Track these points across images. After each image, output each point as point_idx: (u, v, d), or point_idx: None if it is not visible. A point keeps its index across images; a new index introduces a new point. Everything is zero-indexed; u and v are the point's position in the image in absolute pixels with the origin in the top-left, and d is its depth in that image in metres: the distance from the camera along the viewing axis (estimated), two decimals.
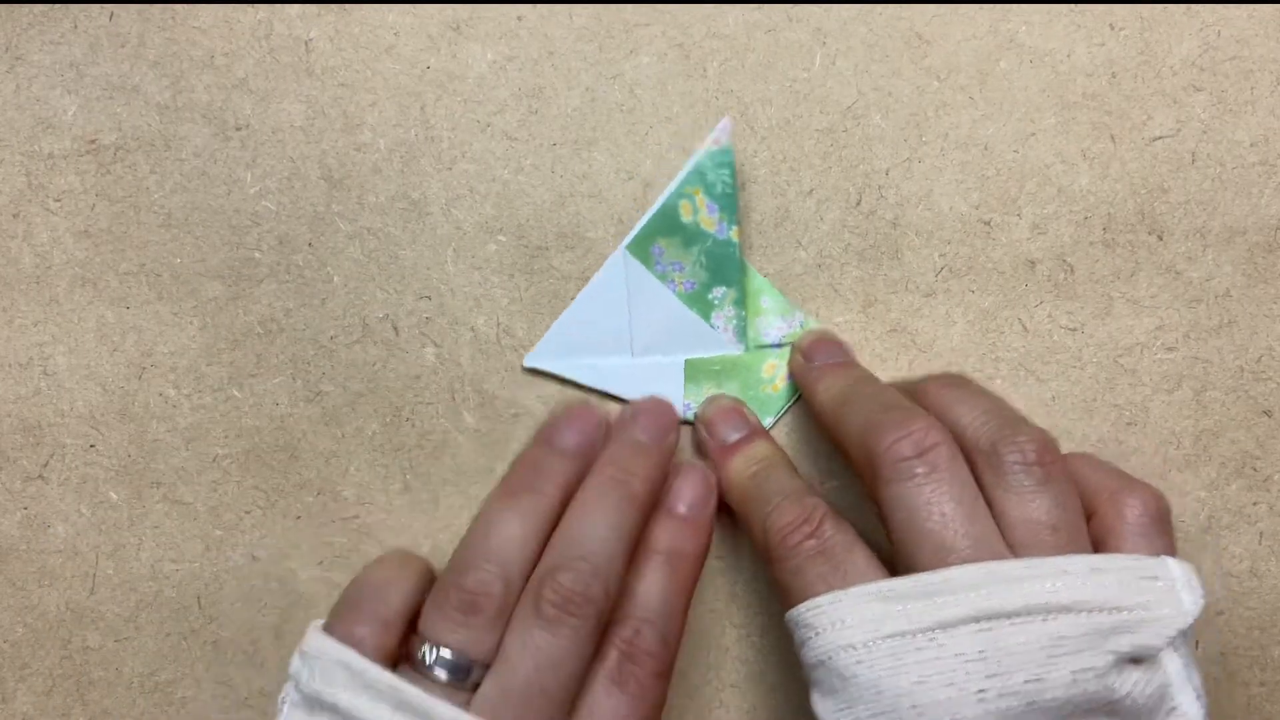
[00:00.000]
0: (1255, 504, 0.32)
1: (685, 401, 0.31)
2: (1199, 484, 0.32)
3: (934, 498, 0.25)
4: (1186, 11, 0.32)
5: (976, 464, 0.26)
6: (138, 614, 0.32)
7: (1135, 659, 0.23)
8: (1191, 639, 0.25)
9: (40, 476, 0.32)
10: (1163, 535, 0.26)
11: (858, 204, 0.32)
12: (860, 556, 0.26)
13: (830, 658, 0.24)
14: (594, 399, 0.32)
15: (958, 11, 0.32)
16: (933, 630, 0.23)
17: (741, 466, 0.30)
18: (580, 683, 0.26)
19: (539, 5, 0.32)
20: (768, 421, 0.31)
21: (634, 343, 0.31)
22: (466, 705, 0.25)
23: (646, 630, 0.27)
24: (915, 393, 0.29)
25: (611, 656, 0.27)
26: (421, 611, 0.27)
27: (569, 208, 0.32)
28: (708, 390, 0.31)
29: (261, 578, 0.32)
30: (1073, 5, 0.32)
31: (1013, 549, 0.25)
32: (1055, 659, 0.23)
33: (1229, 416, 0.32)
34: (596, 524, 0.27)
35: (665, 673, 0.27)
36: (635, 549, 0.28)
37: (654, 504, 0.29)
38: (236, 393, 0.32)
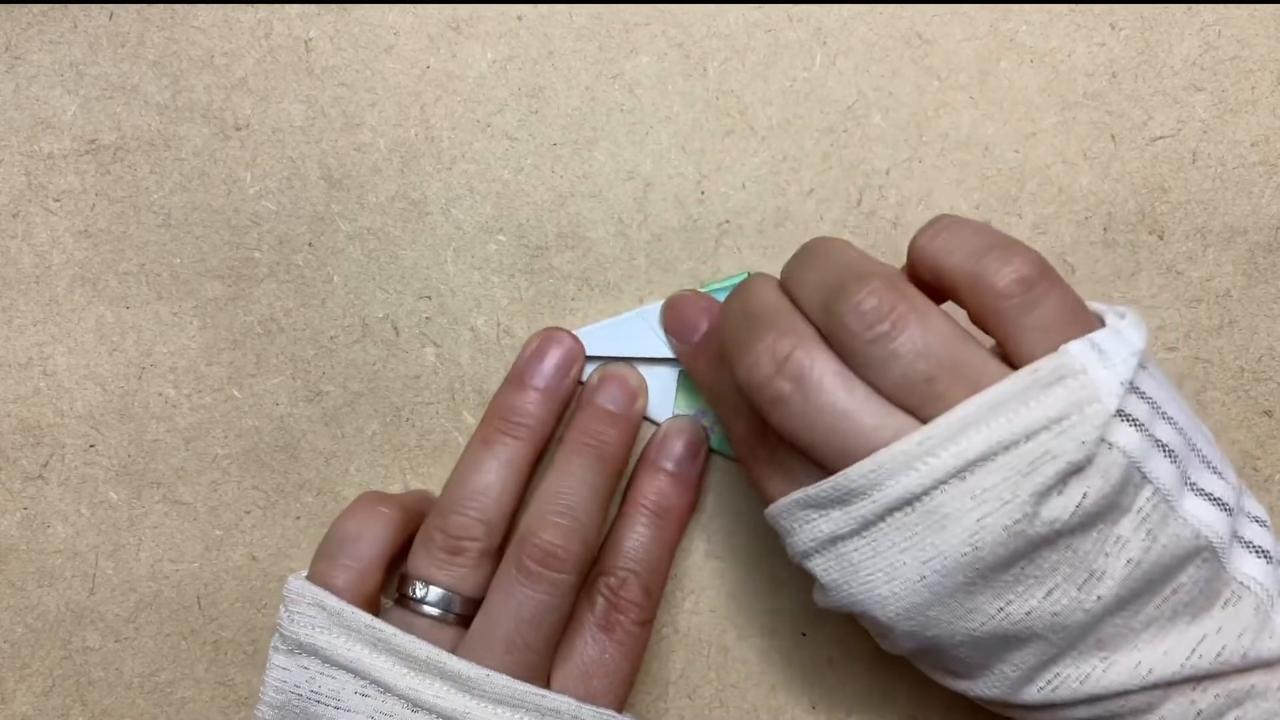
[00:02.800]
0: None
1: (674, 410, 0.31)
2: None
3: (811, 408, 0.23)
4: (1187, 11, 0.32)
5: (828, 343, 0.24)
6: (138, 614, 0.32)
7: (1073, 471, 0.22)
8: (1149, 375, 0.23)
9: (40, 476, 0.32)
10: (1042, 301, 0.23)
11: (858, 204, 0.32)
12: (801, 460, 0.25)
13: (799, 561, 0.25)
14: (561, 327, 0.32)
15: (958, 11, 0.32)
16: (861, 531, 0.23)
17: (705, 369, 0.29)
18: (560, 633, 0.27)
19: (539, 5, 0.32)
20: None
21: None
22: (452, 641, 0.27)
23: (632, 581, 0.28)
24: None
25: (599, 604, 0.28)
26: (410, 552, 0.28)
27: (569, 208, 0.32)
28: (699, 404, 0.31)
29: (261, 578, 0.32)
30: (1073, 5, 0.32)
31: (907, 413, 0.23)
32: (983, 520, 0.22)
33: (1229, 416, 0.32)
34: (574, 484, 0.28)
35: (648, 622, 0.29)
36: (623, 502, 0.30)
37: (625, 465, 0.30)
38: (236, 393, 0.32)
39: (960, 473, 0.22)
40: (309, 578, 0.27)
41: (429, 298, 0.32)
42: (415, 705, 0.25)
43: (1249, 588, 0.23)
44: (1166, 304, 0.32)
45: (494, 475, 0.28)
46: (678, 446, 0.30)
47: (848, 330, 0.23)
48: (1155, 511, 0.23)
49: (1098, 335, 0.23)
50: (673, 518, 0.30)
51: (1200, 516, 0.23)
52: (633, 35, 0.32)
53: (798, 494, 0.24)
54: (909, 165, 0.32)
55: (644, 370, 0.31)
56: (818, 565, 0.25)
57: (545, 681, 0.27)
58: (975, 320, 0.24)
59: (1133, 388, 0.22)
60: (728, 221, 0.32)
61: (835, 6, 0.32)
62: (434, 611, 0.27)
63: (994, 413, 0.22)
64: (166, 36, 0.32)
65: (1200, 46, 0.32)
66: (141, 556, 0.32)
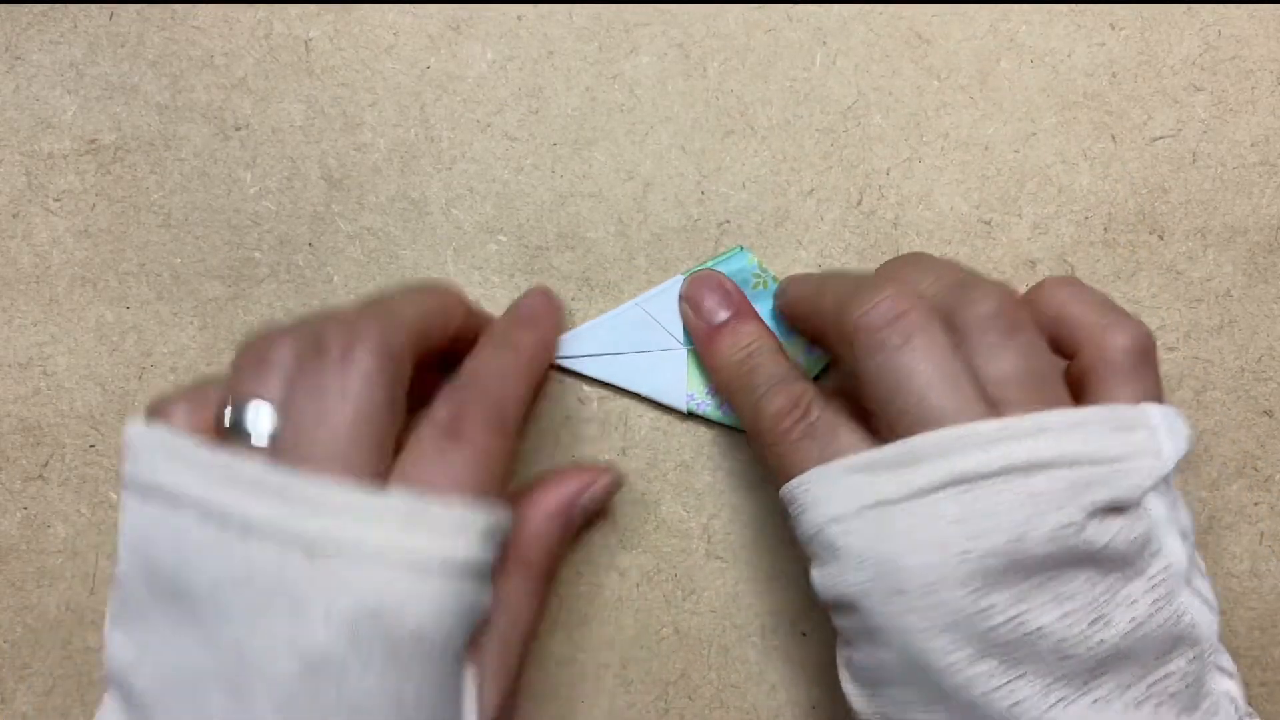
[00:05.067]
0: (1255, 504, 0.32)
1: (688, 392, 0.31)
2: (1199, 484, 0.32)
3: (909, 366, 0.24)
4: (1187, 11, 0.32)
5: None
6: None
7: (1116, 508, 0.23)
8: (1173, 480, 0.25)
9: (40, 476, 0.32)
10: (1146, 374, 0.25)
11: (858, 204, 0.32)
12: (844, 432, 0.25)
13: (819, 531, 0.24)
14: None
15: (958, 11, 0.32)
16: (913, 497, 0.23)
17: (729, 350, 0.29)
18: (395, 429, 0.24)
19: (539, 5, 0.32)
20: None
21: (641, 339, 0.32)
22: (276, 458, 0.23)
23: (476, 393, 0.25)
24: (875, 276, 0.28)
25: (442, 412, 0.25)
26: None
27: (569, 208, 0.32)
28: (710, 382, 0.31)
29: None
30: (1073, 5, 0.32)
31: (989, 407, 0.24)
32: (1034, 517, 0.23)
33: (1229, 416, 0.32)
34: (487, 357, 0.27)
35: (503, 432, 0.25)
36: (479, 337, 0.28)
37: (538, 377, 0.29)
38: None
39: (1028, 469, 0.23)
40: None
41: None
42: (245, 528, 0.23)
43: (1221, 704, 0.24)
44: (1166, 304, 0.32)
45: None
46: (532, 299, 0.31)
47: (975, 311, 0.24)
48: (1164, 585, 0.24)
49: (1170, 410, 0.25)
50: (526, 350, 0.28)
51: (1196, 612, 0.24)
52: (633, 35, 0.32)
53: (856, 457, 0.24)
54: (909, 165, 0.32)
55: (653, 356, 0.31)
56: (849, 528, 0.24)
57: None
58: (1077, 367, 0.26)
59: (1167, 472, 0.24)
60: (728, 221, 0.32)
61: (835, 6, 0.32)
62: (250, 429, 0.24)
63: (1073, 429, 0.23)
64: (166, 36, 0.32)
65: (1200, 46, 0.32)
66: None
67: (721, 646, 0.32)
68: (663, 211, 0.32)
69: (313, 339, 0.24)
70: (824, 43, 0.32)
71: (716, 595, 0.32)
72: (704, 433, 0.32)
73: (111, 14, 0.32)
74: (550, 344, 0.31)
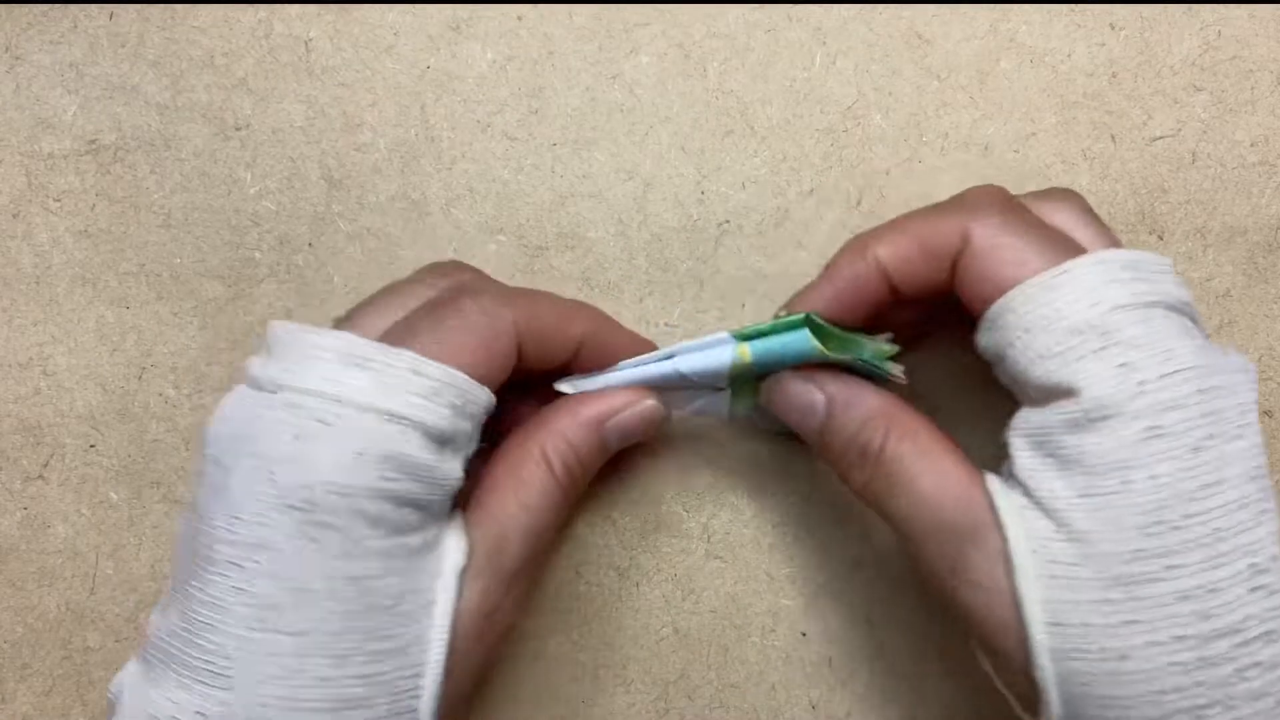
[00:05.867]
0: None
1: (732, 412, 0.29)
2: None
3: (1030, 234, 0.26)
4: (1187, 11, 0.32)
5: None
6: (138, 614, 0.32)
7: None
8: None
9: (40, 476, 0.32)
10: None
11: (858, 204, 0.32)
12: (1064, 239, 0.26)
13: (1101, 319, 0.24)
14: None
15: (958, 11, 0.32)
16: (1157, 305, 0.24)
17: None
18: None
19: (539, 5, 0.32)
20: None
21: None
22: None
23: (469, 269, 0.28)
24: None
25: (433, 293, 0.26)
26: None
27: (569, 208, 0.32)
28: (750, 404, 0.29)
29: None
30: (1073, 5, 0.32)
31: None
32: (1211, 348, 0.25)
33: None
34: None
35: (489, 307, 0.25)
36: None
37: None
38: None
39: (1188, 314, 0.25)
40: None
41: None
42: (256, 386, 0.24)
43: None
44: None
45: None
46: None
47: (1072, 204, 0.27)
48: None
49: None
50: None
51: None
52: (633, 35, 0.32)
53: (1129, 253, 0.25)
54: (909, 165, 0.32)
55: (695, 392, 0.29)
56: (1137, 317, 0.24)
57: None
58: None
59: None
60: (728, 221, 0.32)
61: (835, 6, 0.32)
62: None
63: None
64: (166, 36, 0.32)
65: (1200, 46, 0.32)
66: (141, 556, 0.32)
67: (721, 646, 0.32)
68: (663, 211, 0.32)
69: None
70: (824, 43, 0.32)
71: (716, 595, 0.32)
72: (703, 433, 0.32)
73: (111, 14, 0.33)
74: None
